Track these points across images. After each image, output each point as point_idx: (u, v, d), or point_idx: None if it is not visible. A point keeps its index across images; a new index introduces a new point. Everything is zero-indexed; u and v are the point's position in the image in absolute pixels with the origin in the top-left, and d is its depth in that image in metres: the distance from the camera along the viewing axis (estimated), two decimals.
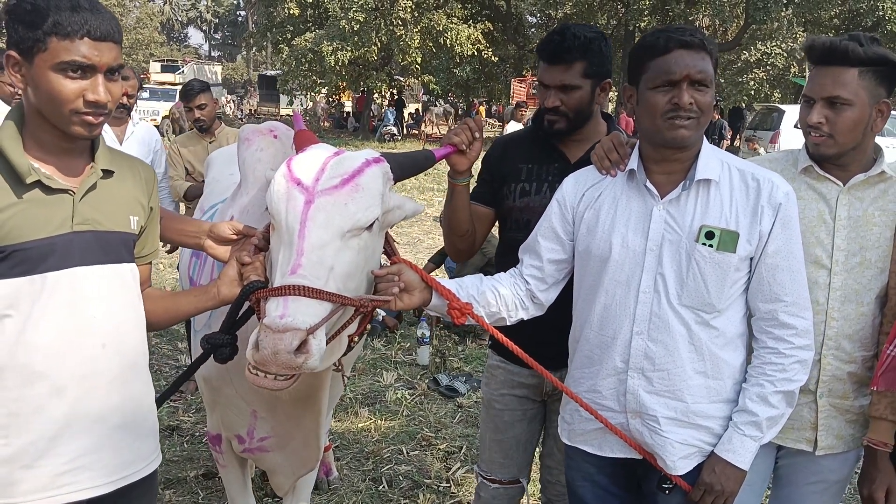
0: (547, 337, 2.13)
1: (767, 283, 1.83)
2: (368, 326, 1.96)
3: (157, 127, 4.67)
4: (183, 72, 30.94)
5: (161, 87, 26.30)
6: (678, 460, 1.88)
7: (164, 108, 22.35)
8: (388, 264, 1.92)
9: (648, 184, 1.89)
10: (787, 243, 1.83)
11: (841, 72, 1.93)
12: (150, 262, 1.89)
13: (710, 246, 1.81)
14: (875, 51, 1.92)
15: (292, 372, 1.62)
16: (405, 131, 27.10)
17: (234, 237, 1.97)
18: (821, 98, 1.94)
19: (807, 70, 2.31)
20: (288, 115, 32.49)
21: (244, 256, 1.85)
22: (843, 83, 1.92)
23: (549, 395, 2.41)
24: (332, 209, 1.71)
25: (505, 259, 2.32)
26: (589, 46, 2.18)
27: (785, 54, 21.25)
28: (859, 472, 2.08)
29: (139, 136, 4.51)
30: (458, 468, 3.84)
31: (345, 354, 1.94)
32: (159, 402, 1.91)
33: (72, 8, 1.50)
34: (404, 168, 1.93)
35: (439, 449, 4.06)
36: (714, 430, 1.89)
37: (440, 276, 2.55)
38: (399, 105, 27.85)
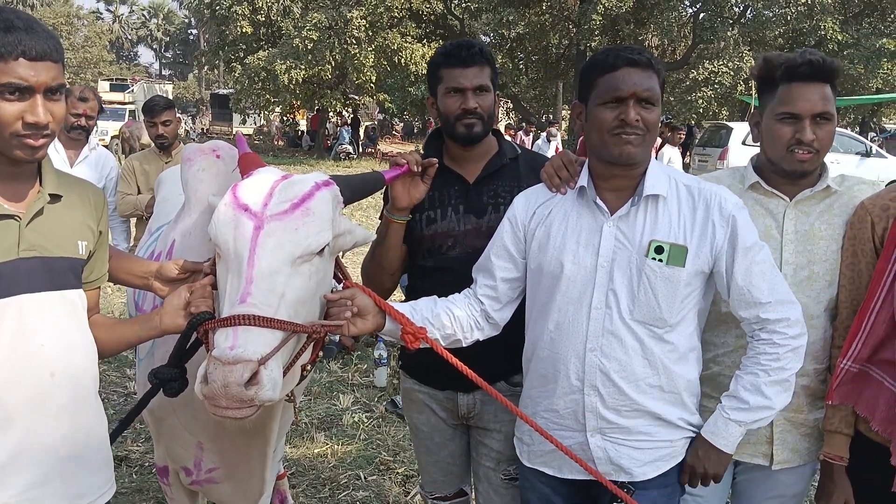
0: (467, 355, 2.05)
1: (747, 291, 1.84)
2: (321, 353, 1.91)
3: (105, 146, 4.55)
4: (133, 91, 30.48)
5: (110, 106, 25.80)
6: (644, 466, 1.89)
7: (113, 127, 21.94)
8: (341, 288, 1.88)
9: (598, 200, 1.90)
10: (752, 249, 1.84)
11: (823, 87, 1.96)
12: (99, 287, 1.83)
13: (660, 261, 1.83)
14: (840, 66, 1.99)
15: (243, 405, 1.56)
16: (360, 149, 27.05)
17: (181, 276, 1.92)
18: (811, 115, 1.95)
19: (753, 89, 2.35)
20: (246, 133, 32.22)
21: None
22: (828, 98, 1.96)
23: (467, 418, 2.35)
24: (283, 234, 1.66)
25: (417, 287, 2.30)
26: (490, 55, 2.22)
27: (732, 73, 21.79)
28: (816, 486, 2.09)
29: (93, 160, 4.41)
30: (417, 492, 3.78)
31: (298, 384, 1.89)
32: (112, 438, 1.85)
33: (5, 29, 1.45)
34: (354, 190, 1.90)
35: (398, 473, 4.00)
36: (678, 432, 1.90)
37: (396, 296, 2.52)
38: (355, 124, 27.82)
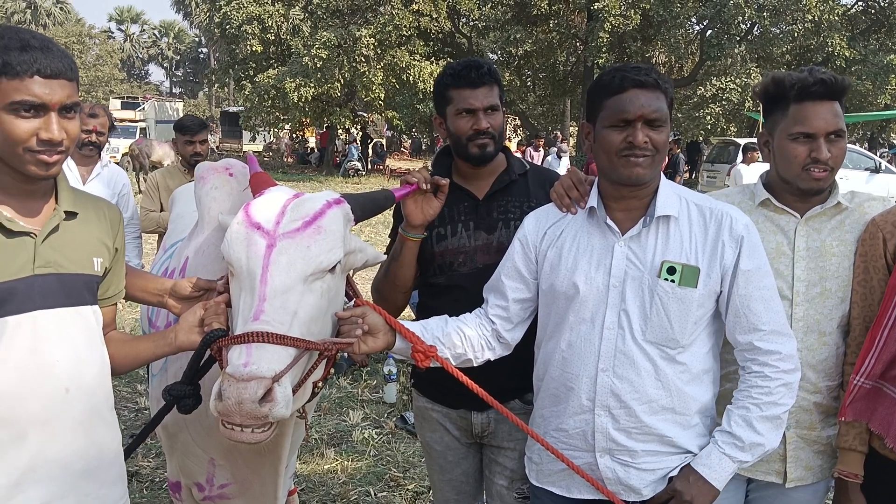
0: (480, 374, 2.05)
1: (743, 315, 1.84)
2: (332, 370, 1.92)
3: (116, 163, 4.62)
4: (143, 108, 30.73)
5: (121, 123, 26.04)
6: (652, 484, 1.88)
7: (123, 145, 22.12)
8: (352, 306, 1.89)
9: (609, 221, 1.90)
10: (756, 273, 1.84)
11: (834, 105, 1.97)
12: (115, 304, 1.85)
13: (673, 281, 1.82)
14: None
15: (258, 423, 1.57)
16: (369, 166, 27.15)
17: (195, 294, 1.93)
18: (826, 133, 1.95)
19: (760, 105, 2.35)
20: (255, 150, 32.40)
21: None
22: (840, 115, 1.97)
23: (481, 436, 2.35)
24: (295, 252, 1.68)
25: (428, 304, 2.30)
26: (497, 74, 2.23)
27: (739, 89, 21.80)
28: (831, 503, 2.08)
29: (105, 177, 4.44)
30: None
31: (309, 401, 1.89)
32: (125, 454, 1.86)
33: (21, 48, 1.47)
34: (365, 209, 1.91)
35: (408, 489, 3.98)
36: (688, 455, 1.88)
37: (405, 314, 2.53)
38: (364, 140, 27.90)
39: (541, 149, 16.47)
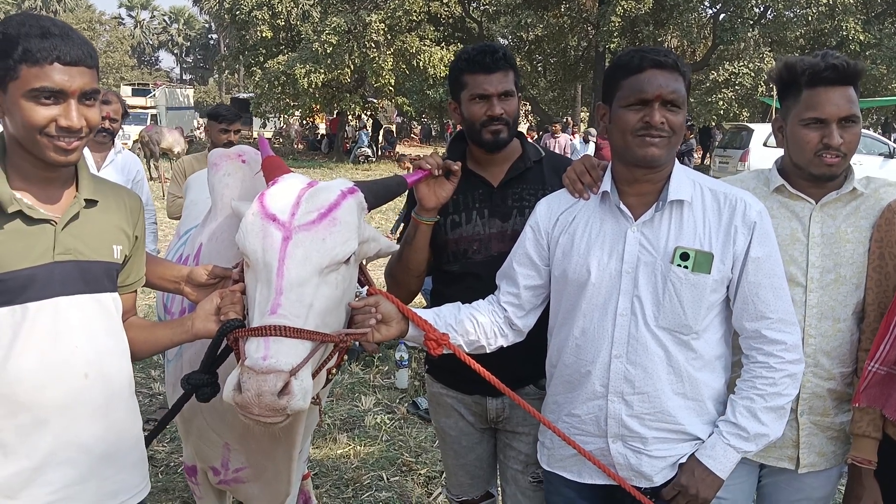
0: (495, 360, 2.06)
1: (752, 302, 1.83)
2: (346, 357, 1.93)
3: (129, 150, 4.65)
4: (154, 95, 30.77)
5: (132, 110, 26.08)
6: (663, 470, 1.88)
7: (134, 132, 22.17)
8: (365, 294, 1.90)
9: (622, 205, 1.89)
10: (766, 260, 1.83)
11: (847, 90, 1.95)
12: (135, 291, 1.87)
13: (686, 267, 1.81)
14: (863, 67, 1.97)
15: (276, 415, 1.58)
16: (379, 152, 27.13)
17: (211, 281, 1.94)
18: (837, 119, 1.94)
19: (774, 90, 2.32)
20: (266, 137, 32.33)
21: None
22: (853, 101, 1.95)
23: (496, 422, 2.36)
24: (311, 245, 1.68)
25: (442, 292, 2.30)
26: (513, 59, 2.21)
27: (752, 74, 21.60)
28: (844, 489, 2.08)
29: (119, 164, 4.46)
30: (440, 493, 3.79)
31: (323, 387, 1.91)
32: (146, 442, 1.88)
33: (41, 35, 1.48)
34: (378, 196, 1.91)
35: (420, 474, 4.01)
36: (699, 441, 1.88)
37: (418, 301, 2.54)
38: (375, 126, 27.82)
39: (559, 134, 15.10)
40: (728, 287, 1.87)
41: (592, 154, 8.43)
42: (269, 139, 32.01)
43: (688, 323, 1.83)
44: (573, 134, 15.84)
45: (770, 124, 2.24)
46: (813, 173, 1.99)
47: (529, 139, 2.43)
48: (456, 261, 2.27)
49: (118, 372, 1.71)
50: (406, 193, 2.25)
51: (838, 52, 2.03)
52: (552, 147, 13.67)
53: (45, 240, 1.58)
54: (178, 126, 23.20)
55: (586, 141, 14.92)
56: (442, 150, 2.41)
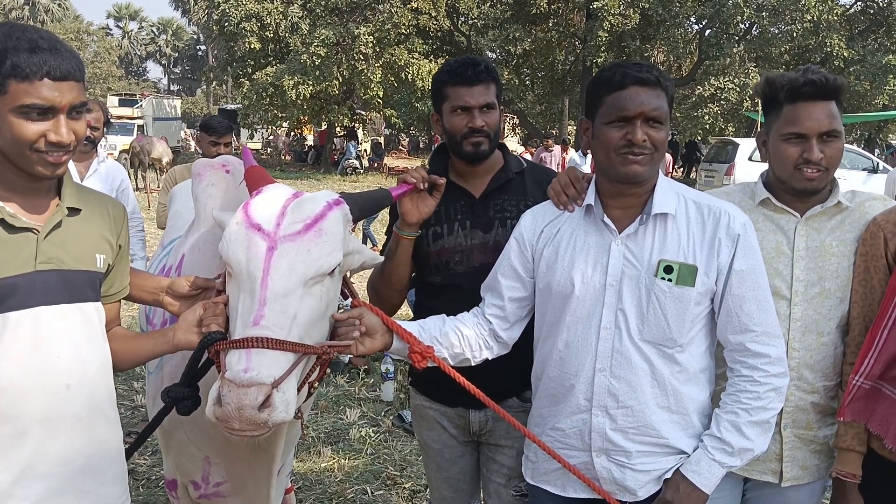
0: (478, 373, 2.05)
1: (735, 315, 1.83)
2: (329, 370, 1.91)
3: (115, 161, 4.63)
4: (141, 106, 30.64)
5: (119, 121, 25.97)
6: (647, 485, 1.87)
7: (122, 142, 22.06)
8: (349, 306, 1.88)
9: (606, 219, 1.89)
10: (751, 273, 1.83)
11: (828, 105, 1.95)
12: (119, 301, 1.85)
13: (670, 280, 1.81)
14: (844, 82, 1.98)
15: (257, 428, 1.56)
16: (366, 164, 27.11)
17: (193, 293, 1.92)
18: (818, 134, 1.94)
19: (759, 105, 2.33)
20: (254, 148, 32.32)
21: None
22: (834, 115, 1.96)
23: (479, 435, 2.35)
24: (295, 256, 1.66)
25: (425, 304, 2.29)
26: (495, 72, 2.22)
27: (738, 89, 21.81)
28: (829, 503, 2.08)
29: (102, 173, 4.43)
30: None
31: (305, 400, 1.88)
32: (127, 454, 1.86)
33: (30, 49, 1.47)
34: (363, 208, 1.90)
35: (405, 488, 3.98)
36: (684, 455, 1.87)
37: (403, 311, 2.52)
38: (350, 137, 27.58)
39: (553, 149, 14.36)
40: (713, 300, 1.86)
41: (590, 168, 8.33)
42: (257, 150, 32.00)
43: (672, 336, 1.82)
44: (565, 150, 15.36)
45: (755, 139, 2.25)
46: (794, 187, 2.00)
47: (529, 155, 2.44)
48: (438, 272, 2.26)
49: (100, 383, 1.69)
50: (390, 207, 2.25)
51: (820, 68, 2.05)
52: (548, 161, 13.52)
53: (27, 248, 1.56)
54: (164, 136, 23.10)
55: (586, 154, 14.75)
56: None
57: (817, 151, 1.94)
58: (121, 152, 21.10)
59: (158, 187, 14.12)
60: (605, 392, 1.85)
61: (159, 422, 1.97)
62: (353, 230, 1.88)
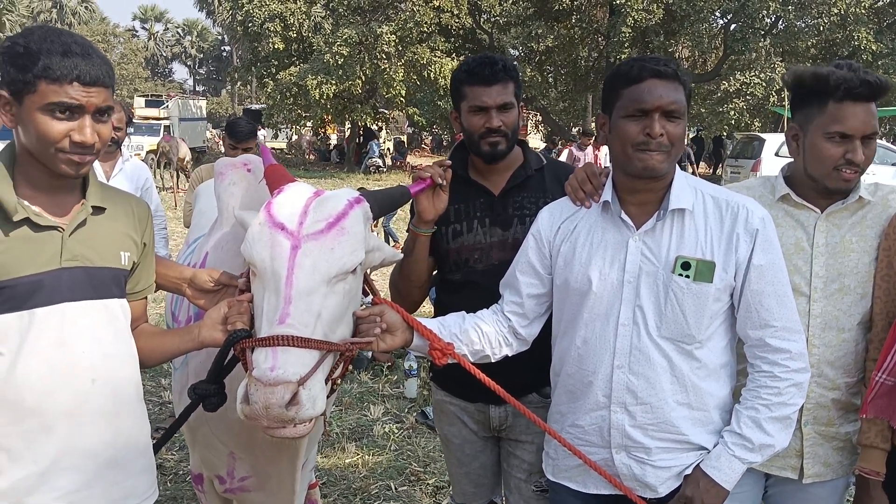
0: (498, 368, 2.07)
1: (755, 310, 1.82)
2: (351, 367, 1.93)
3: (141, 161, 4.71)
4: (167, 106, 30.95)
5: (145, 122, 26.29)
6: (668, 481, 1.87)
7: (148, 142, 22.33)
8: (370, 304, 1.90)
9: (623, 215, 1.88)
10: (770, 268, 1.82)
11: (871, 106, 1.92)
12: (145, 298, 1.88)
13: (687, 277, 1.80)
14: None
15: (285, 426, 1.58)
16: (389, 163, 27.17)
17: (215, 288, 1.95)
18: (863, 135, 1.91)
19: (786, 100, 2.31)
20: (278, 148, 32.54)
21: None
22: (875, 116, 1.93)
23: (499, 430, 2.36)
24: (319, 254, 1.68)
25: (445, 301, 2.31)
26: (514, 70, 2.22)
27: (764, 84, 21.48)
28: (853, 500, 2.06)
29: (128, 172, 4.50)
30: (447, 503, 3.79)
31: (328, 397, 1.91)
32: (154, 450, 1.89)
33: (63, 53, 1.50)
34: (382, 206, 1.92)
35: (428, 484, 4.01)
36: (704, 451, 1.87)
37: (425, 308, 2.54)
38: (367, 136, 27.56)
39: (588, 147, 13.37)
40: (732, 295, 1.86)
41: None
42: (282, 150, 32.19)
43: (690, 332, 1.82)
44: (595, 147, 14.65)
45: (783, 134, 2.22)
46: (829, 187, 1.96)
47: (568, 150, 2.44)
48: (458, 270, 2.28)
49: (126, 378, 1.72)
50: (410, 204, 2.27)
51: (858, 63, 1.98)
52: (581, 160, 13.15)
53: (53, 246, 1.60)
54: (183, 137, 23.29)
55: (584, 148, 14.48)
56: None
57: (861, 153, 1.91)
58: (148, 153, 21.36)
59: (184, 187, 14.28)
60: (624, 389, 1.85)
61: (186, 418, 2.01)
62: (373, 227, 1.90)
